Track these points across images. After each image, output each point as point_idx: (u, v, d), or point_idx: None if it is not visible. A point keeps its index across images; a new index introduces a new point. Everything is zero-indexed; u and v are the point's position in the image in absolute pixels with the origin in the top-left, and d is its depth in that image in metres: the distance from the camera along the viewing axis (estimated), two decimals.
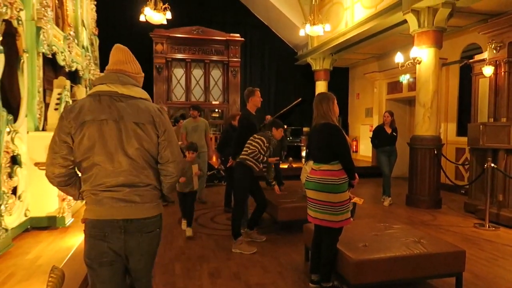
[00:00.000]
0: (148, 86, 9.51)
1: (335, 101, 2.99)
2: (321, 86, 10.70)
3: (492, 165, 5.04)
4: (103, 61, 7.34)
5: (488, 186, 5.06)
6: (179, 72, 9.77)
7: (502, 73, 5.41)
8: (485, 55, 5.71)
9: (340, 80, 12.00)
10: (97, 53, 7.01)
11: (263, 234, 4.52)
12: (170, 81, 9.65)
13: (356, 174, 2.91)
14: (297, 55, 11.65)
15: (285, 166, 9.17)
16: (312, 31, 7.89)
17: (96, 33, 7.05)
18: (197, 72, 9.88)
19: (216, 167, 8.52)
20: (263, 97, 5.98)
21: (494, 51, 5.47)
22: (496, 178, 5.18)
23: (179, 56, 9.64)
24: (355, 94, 12.02)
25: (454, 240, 4.36)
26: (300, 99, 10.82)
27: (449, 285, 3.07)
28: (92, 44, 6.71)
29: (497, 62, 5.45)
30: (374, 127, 7.94)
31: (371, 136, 6.85)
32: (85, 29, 6.13)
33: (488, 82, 5.68)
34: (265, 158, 4.06)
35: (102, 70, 7.18)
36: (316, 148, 2.98)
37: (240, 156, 4.02)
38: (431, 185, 6.19)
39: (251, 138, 4.06)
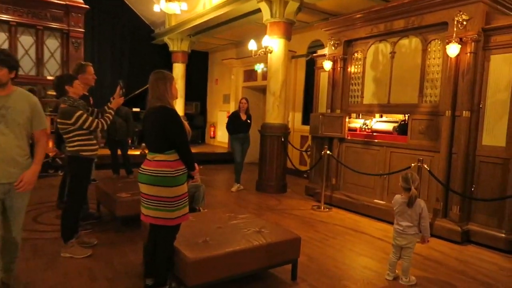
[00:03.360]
0: None
1: (174, 82, 2.64)
2: (179, 69, 10.20)
3: (328, 152, 5.54)
4: None
5: (324, 171, 5.55)
6: (0, 37, 7.84)
7: (338, 68, 5.96)
8: (326, 51, 6.20)
9: (199, 64, 11.74)
10: None
11: (99, 232, 3.91)
12: None
13: (196, 164, 2.63)
14: (154, 33, 10.83)
15: (137, 152, 8.43)
16: (168, 8, 7.28)
17: None
18: (26, 40, 8.09)
19: (50, 155, 7.21)
20: (114, 75, 5.14)
21: (333, 48, 5.97)
22: (330, 164, 5.73)
23: (1, 17, 7.72)
24: (214, 79, 11.94)
25: (295, 224, 4.61)
26: None
27: (287, 271, 3.12)
28: None
29: (335, 58, 5.97)
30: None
31: (226, 122, 6.80)
32: None
33: (327, 76, 6.21)
34: (101, 123, 3.32)
35: None
36: (150, 135, 2.56)
37: (71, 149, 3.26)
38: (278, 170, 6.51)
39: (62, 125, 3.21)
